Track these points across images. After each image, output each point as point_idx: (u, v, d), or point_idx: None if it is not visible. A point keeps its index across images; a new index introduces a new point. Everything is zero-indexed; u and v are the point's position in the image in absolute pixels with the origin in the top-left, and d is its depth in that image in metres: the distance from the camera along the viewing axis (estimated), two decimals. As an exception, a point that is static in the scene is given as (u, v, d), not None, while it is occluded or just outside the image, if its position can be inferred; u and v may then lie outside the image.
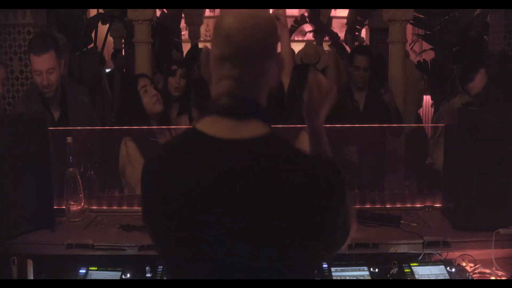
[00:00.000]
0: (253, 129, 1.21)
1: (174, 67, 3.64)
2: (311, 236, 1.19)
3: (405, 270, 2.13)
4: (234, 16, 1.22)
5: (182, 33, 9.44)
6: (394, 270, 2.11)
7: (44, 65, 2.95)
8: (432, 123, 4.64)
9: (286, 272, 1.19)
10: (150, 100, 3.02)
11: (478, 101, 3.53)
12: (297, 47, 4.98)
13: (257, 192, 1.15)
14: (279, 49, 1.30)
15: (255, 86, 1.25)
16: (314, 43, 6.22)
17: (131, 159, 2.89)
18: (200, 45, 8.58)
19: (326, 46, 7.63)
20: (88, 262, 2.16)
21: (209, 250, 1.17)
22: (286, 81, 2.32)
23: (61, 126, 2.86)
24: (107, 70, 7.37)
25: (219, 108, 1.23)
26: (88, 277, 2.11)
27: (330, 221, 1.22)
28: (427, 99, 7.14)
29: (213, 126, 1.22)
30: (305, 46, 4.81)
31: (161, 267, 2.12)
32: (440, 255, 2.22)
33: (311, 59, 4.54)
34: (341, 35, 7.36)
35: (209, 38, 10.25)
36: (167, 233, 1.23)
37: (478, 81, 3.62)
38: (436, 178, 3.00)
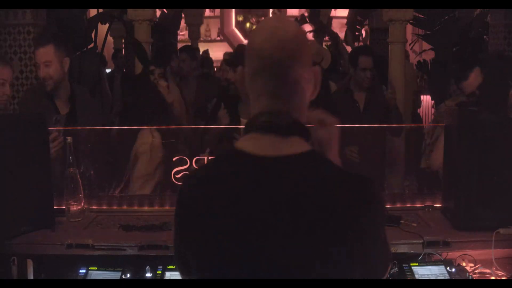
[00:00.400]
0: (294, 146, 1.21)
1: (152, 67, 3.65)
2: (353, 254, 1.16)
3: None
4: (262, 31, 1.24)
5: (182, 33, 9.44)
6: (394, 270, 2.11)
7: (41, 57, 3.05)
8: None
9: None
10: (164, 88, 3.25)
11: (473, 100, 3.51)
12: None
13: (301, 210, 1.15)
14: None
15: (293, 101, 1.24)
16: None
17: (153, 149, 2.92)
18: (200, 46, 8.58)
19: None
20: (88, 262, 2.16)
21: (254, 268, 1.16)
22: None
23: (67, 124, 2.86)
24: (108, 71, 7.36)
25: (260, 125, 1.22)
26: (88, 277, 2.11)
27: (372, 241, 1.20)
28: (427, 99, 7.12)
29: (254, 144, 1.22)
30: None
31: (161, 266, 2.12)
32: (440, 255, 2.21)
33: (314, 58, 4.52)
34: (341, 35, 7.35)
35: (209, 38, 10.30)
36: (211, 257, 1.20)
37: (473, 80, 3.60)
38: (435, 179, 3.00)
